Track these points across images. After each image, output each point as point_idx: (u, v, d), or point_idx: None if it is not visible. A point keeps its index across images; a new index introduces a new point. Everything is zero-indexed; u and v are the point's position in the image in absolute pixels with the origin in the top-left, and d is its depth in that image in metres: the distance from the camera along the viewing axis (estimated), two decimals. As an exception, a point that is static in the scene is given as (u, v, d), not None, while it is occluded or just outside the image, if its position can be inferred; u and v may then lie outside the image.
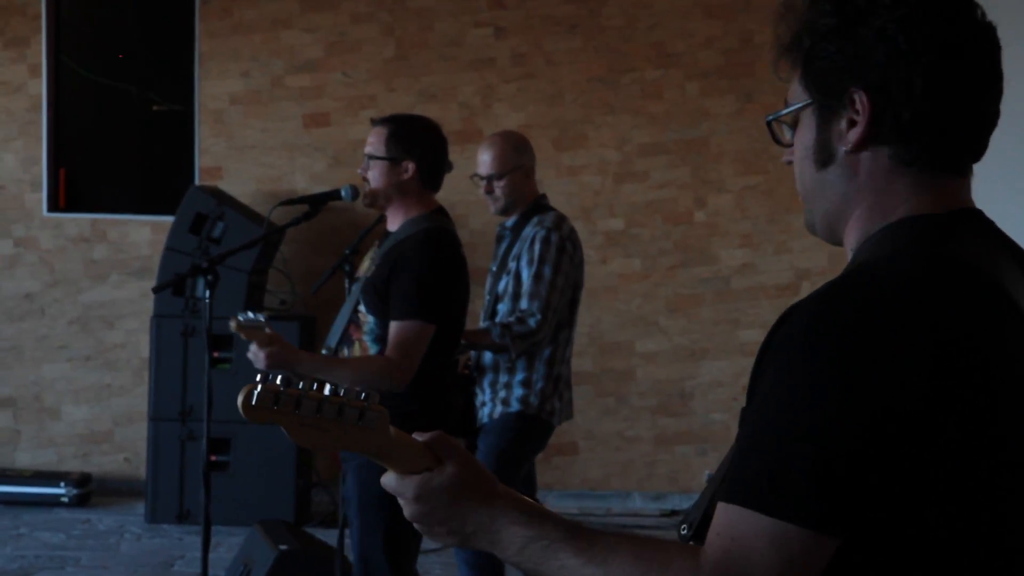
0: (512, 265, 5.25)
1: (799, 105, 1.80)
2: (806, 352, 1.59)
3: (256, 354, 4.17)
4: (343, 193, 4.55)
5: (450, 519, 1.76)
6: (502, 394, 5.21)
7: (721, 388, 8.52)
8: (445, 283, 4.39)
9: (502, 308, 5.26)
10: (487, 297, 5.41)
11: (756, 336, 8.44)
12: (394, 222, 4.52)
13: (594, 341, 8.41)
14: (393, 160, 4.43)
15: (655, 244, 8.51)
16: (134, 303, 8.31)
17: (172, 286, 4.76)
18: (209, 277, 4.38)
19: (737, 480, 1.61)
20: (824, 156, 1.78)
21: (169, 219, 7.83)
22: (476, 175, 5.43)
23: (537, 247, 5.19)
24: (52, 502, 7.90)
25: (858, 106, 1.72)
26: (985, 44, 1.75)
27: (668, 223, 8.51)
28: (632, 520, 7.98)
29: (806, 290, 8.30)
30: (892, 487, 1.56)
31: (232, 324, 4.21)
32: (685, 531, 1.86)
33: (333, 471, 4.65)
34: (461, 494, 1.76)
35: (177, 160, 8.40)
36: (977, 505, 1.60)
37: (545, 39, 8.45)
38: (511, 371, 5.21)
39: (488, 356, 5.24)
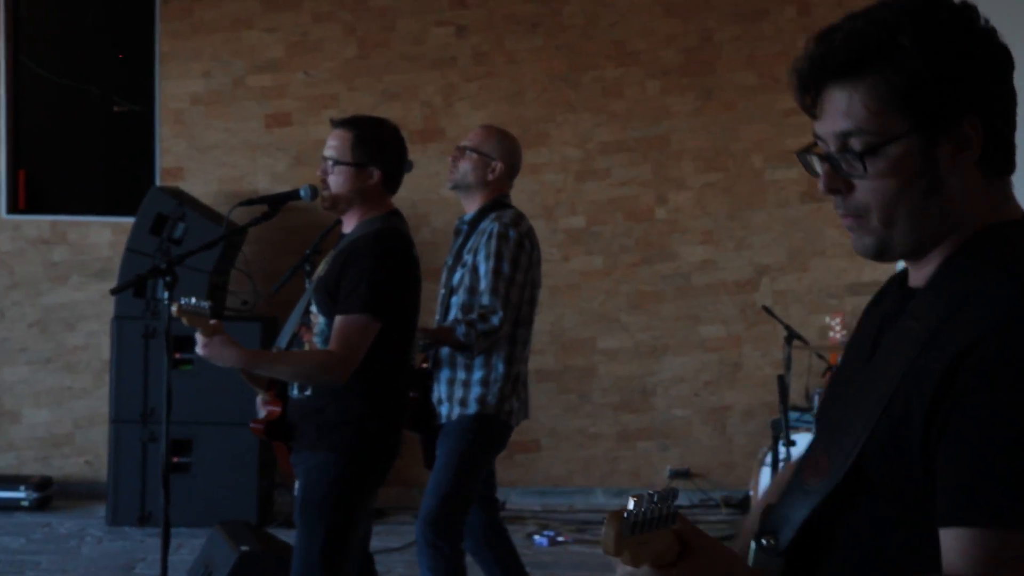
0: (468, 258, 5.23)
1: (899, 135, 1.80)
2: None
3: (201, 344, 4.16)
4: (302, 193, 4.53)
5: None
6: (459, 394, 5.18)
7: (682, 384, 8.55)
8: (394, 281, 4.35)
9: (455, 300, 5.23)
10: (441, 290, 5.39)
11: (716, 332, 8.49)
12: (349, 224, 4.50)
13: (556, 338, 8.43)
14: (358, 166, 4.40)
15: (616, 241, 8.54)
16: (95, 305, 8.27)
17: (131, 287, 4.73)
18: (168, 278, 4.36)
19: (990, 502, 1.63)
20: (933, 184, 1.80)
21: (130, 220, 7.79)
22: (457, 145, 5.46)
23: (494, 242, 5.15)
24: (12, 506, 7.86)
25: (969, 132, 1.78)
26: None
27: (629, 220, 8.54)
28: (595, 516, 8.00)
29: (766, 286, 8.37)
30: None
31: (174, 308, 4.19)
32: (769, 543, 1.87)
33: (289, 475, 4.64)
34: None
35: (138, 161, 8.37)
36: None
37: (506, 38, 8.46)
38: (469, 369, 5.18)
39: (445, 350, 5.22)
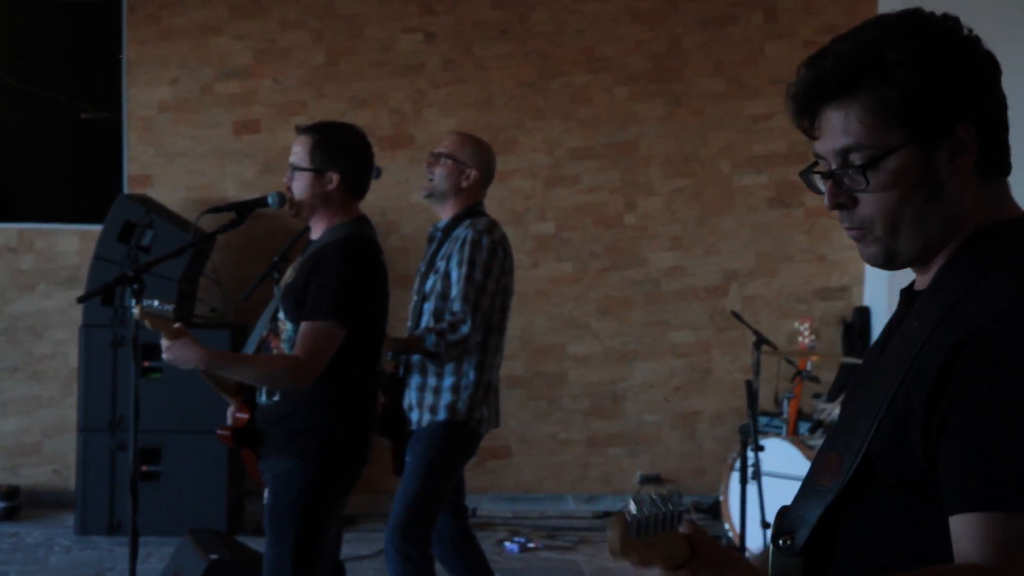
0: (441, 265, 5.22)
1: (896, 146, 1.87)
2: None
3: (165, 348, 4.15)
4: (269, 200, 4.51)
5: None
6: (429, 400, 5.18)
7: (652, 390, 8.57)
8: (361, 288, 4.35)
9: (428, 307, 5.23)
10: (414, 297, 5.38)
11: (686, 337, 8.51)
12: (317, 231, 4.49)
13: (526, 344, 8.44)
14: (317, 171, 4.39)
15: (586, 247, 8.55)
16: (62, 313, 8.23)
17: (98, 295, 4.70)
18: (135, 286, 4.34)
19: (1000, 487, 1.67)
20: (934, 191, 1.87)
21: (97, 228, 7.76)
22: (431, 151, 5.44)
23: (468, 249, 5.15)
24: (-20, 516, 7.82)
25: (964, 138, 1.86)
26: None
27: (598, 226, 8.55)
28: (566, 522, 8.01)
29: (735, 291, 8.40)
30: None
31: (136, 311, 4.17)
32: (785, 543, 1.91)
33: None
34: None
35: (105, 168, 8.34)
36: None
37: (475, 44, 8.47)
38: (440, 376, 5.18)
39: (416, 356, 5.21)
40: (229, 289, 7.89)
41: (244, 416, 4.45)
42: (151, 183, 8.32)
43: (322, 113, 8.26)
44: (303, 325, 4.24)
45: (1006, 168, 1.94)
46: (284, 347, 4.35)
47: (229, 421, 4.50)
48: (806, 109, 1.93)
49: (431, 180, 5.33)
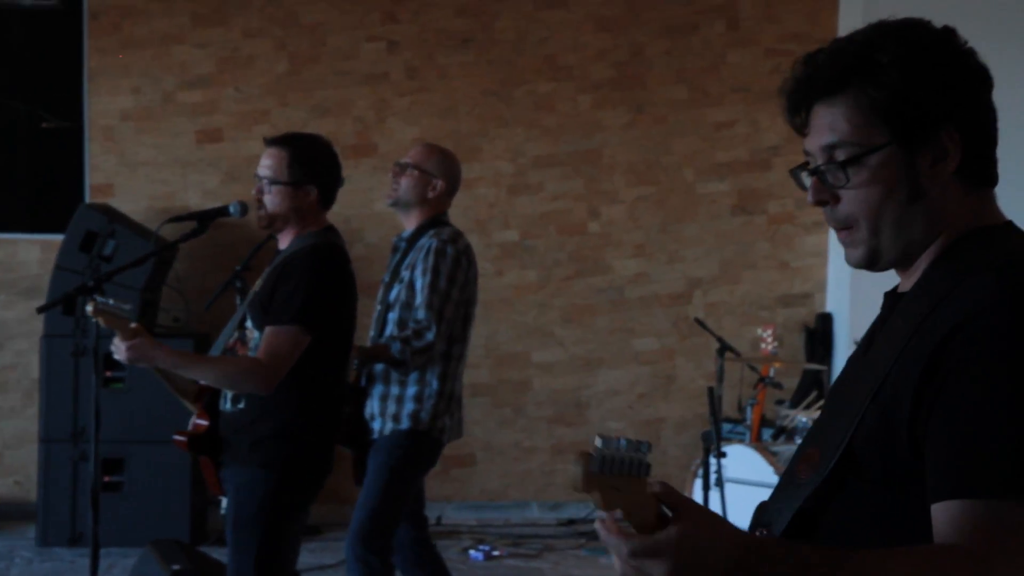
0: (405, 274, 5.22)
1: (879, 145, 1.91)
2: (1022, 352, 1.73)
3: (118, 346, 4.12)
4: (231, 209, 4.50)
5: (705, 568, 1.71)
6: (392, 409, 5.17)
7: (617, 397, 8.59)
8: (327, 295, 4.34)
9: (392, 316, 5.22)
10: (378, 306, 5.38)
11: (650, 345, 8.53)
12: (285, 241, 4.49)
13: (490, 352, 8.44)
14: (296, 185, 4.39)
15: (550, 255, 8.56)
16: (23, 323, 8.18)
17: (59, 305, 4.68)
18: (96, 296, 4.32)
19: (981, 474, 1.70)
20: (915, 192, 1.92)
21: (59, 238, 7.72)
22: (397, 161, 5.43)
23: (431, 258, 5.15)
24: (-58, 527, 7.76)
25: (948, 144, 1.90)
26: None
27: (562, 234, 8.57)
28: (531, 530, 8.01)
29: (698, 299, 8.43)
30: None
31: (89, 307, 4.14)
32: (761, 535, 1.94)
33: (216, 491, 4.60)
34: (710, 541, 1.72)
35: (67, 178, 8.30)
36: None
37: (438, 53, 8.47)
38: (403, 384, 5.17)
39: (379, 365, 5.20)
40: (192, 298, 7.85)
41: (203, 423, 4.43)
42: (113, 192, 8.28)
43: (285, 122, 8.24)
44: (267, 330, 4.23)
45: (991, 179, 1.97)
46: (251, 355, 4.34)
47: (190, 428, 4.48)
48: (798, 106, 1.98)
49: (396, 189, 5.32)
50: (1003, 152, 2.01)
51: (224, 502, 4.44)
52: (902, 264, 1.98)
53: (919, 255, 1.95)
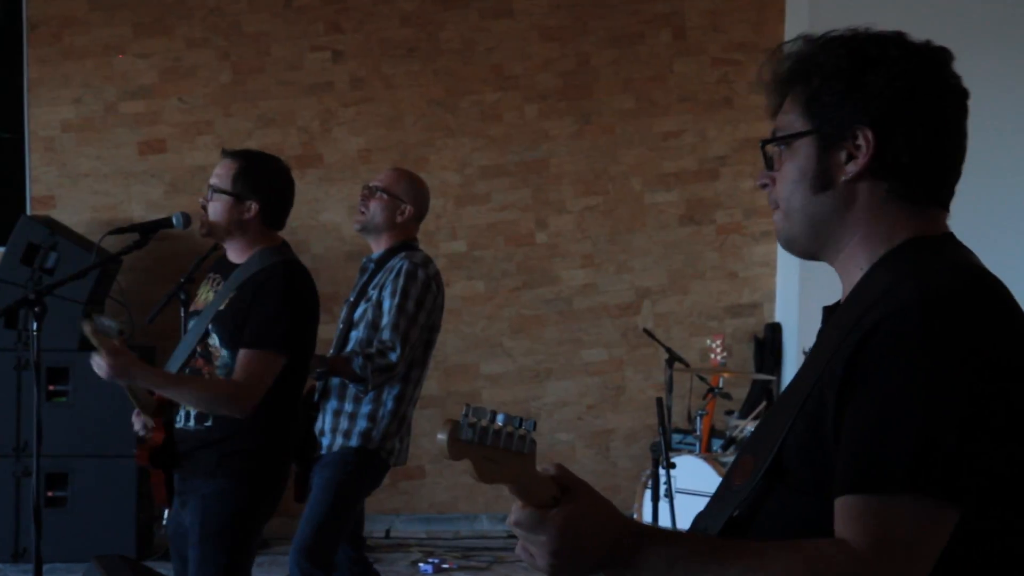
0: (372, 293, 5.19)
1: (800, 132, 2.00)
2: (927, 356, 1.77)
3: (100, 364, 4.07)
4: (174, 220, 4.46)
5: (590, 549, 1.77)
6: (344, 425, 5.14)
7: (566, 408, 8.56)
8: (301, 317, 4.35)
9: (355, 335, 5.19)
10: (339, 326, 5.34)
11: (599, 355, 8.52)
12: (238, 254, 4.44)
13: (439, 364, 8.39)
14: (237, 197, 4.37)
15: (498, 266, 8.54)
16: (-36, 337, 8.05)
17: (0, 318, 4.61)
18: (36, 309, 4.26)
19: (870, 471, 1.75)
20: (821, 182, 1.98)
21: (0, 250, 7.62)
22: (367, 183, 5.39)
23: (402, 280, 5.13)
24: None
25: (860, 142, 1.95)
26: (965, 109, 2.00)
27: (510, 245, 8.54)
28: (480, 542, 7.97)
29: (647, 309, 8.42)
30: (1007, 461, 1.78)
31: (87, 328, 4.11)
32: None
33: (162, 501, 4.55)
34: (596, 523, 1.78)
35: (7, 189, 8.18)
36: None
37: (383, 63, 8.43)
38: (358, 401, 5.14)
39: (335, 380, 5.17)
40: (136, 311, 7.76)
41: (160, 435, 4.38)
42: (55, 204, 8.19)
43: (229, 132, 8.18)
44: (244, 352, 4.21)
45: (935, 197, 1.99)
46: (219, 373, 4.30)
47: (140, 431, 4.41)
48: (771, 96, 2.07)
49: (364, 213, 5.30)
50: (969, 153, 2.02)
51: (167, 514, 4.40)
52: (808, 254, 2.05)
53: (824, 251, 2.03)
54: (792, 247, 2.06)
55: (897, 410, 1.76)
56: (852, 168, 1.95)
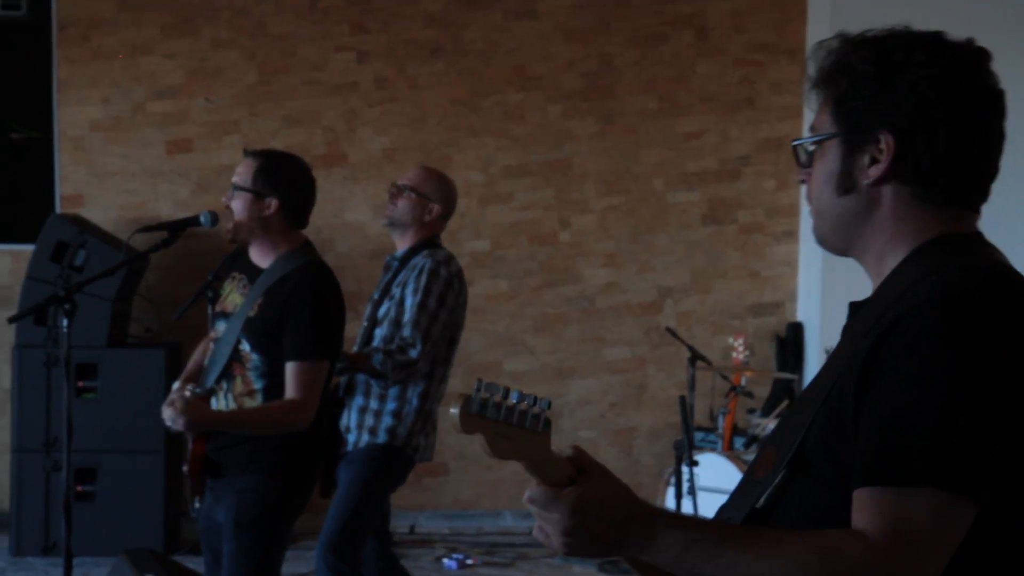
0: (396, 291, 5.23)
1: (826, 135, 2.03)
2: (946, 351, 1.79)
3: (175, 420, 4.16)
4: (202, 219, 4.50)
5: (603, 530, 1.79)
6: (370, 422, 5.18)
7: (588, 406, 8.61)
8: (335, 319, 4.43)
9: (379, 332, 5.23)
10: (364, 323, 5.39)
11: (621, 354, 8.56)
12: (262, 258, 4.46)
13: (463, 361, 8.42)
14: (257, 194, 4.40)
15: (521, 265, 8.58)
16: (-6, 334, 8.15)
17: (31, 315, 4.67)
18: (67, 306, 4.32)
19: (889, 464, 1.76)
20: (846, 185, 2.01)
21: (29, 248, 7.70)
22: (395, 182, 5.44)
23: (424, 277, 5.16)
24: (-88, 539, 7.71)
25: (883, 146, 1.96)
26: (998, 109, 1.99)
27: (533, 244, 8.59)
28: (504, 538, 8.02)
29: (669, 308, 8.45)
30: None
31: (188, 394, 4.24)
32: None
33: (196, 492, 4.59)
34: (612, 504, 1.80)
35: (37, 188, 8.27)
36: None
37: (408, 63, 8.49)
38: (382, 399, 5.18)
39: (361, 377, 5.21)
40: (163, 308, 7.84)
41: (201, 444, 4.44)
42: (83, 203, 8.27)
43: (255, 132, 8.25)
44: (293, 366, 4.27)
45: (964, 200, 2.00)
46: (250, 375, 4.34)
47: (169, 422, 4.46)
48: (811, 94, 2.08)
49: (393, 210, 5.34)
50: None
51: (196, 504, 4.45)
52: (840, 253, 2.08)
53: (854, 250, 2.05)
54: (824, 244, 2.09)
55: (916, 404, 1.77)
56: (874, 172, 1.97)
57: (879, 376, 1.82)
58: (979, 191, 2.01)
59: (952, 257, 1.93)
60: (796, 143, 2.09)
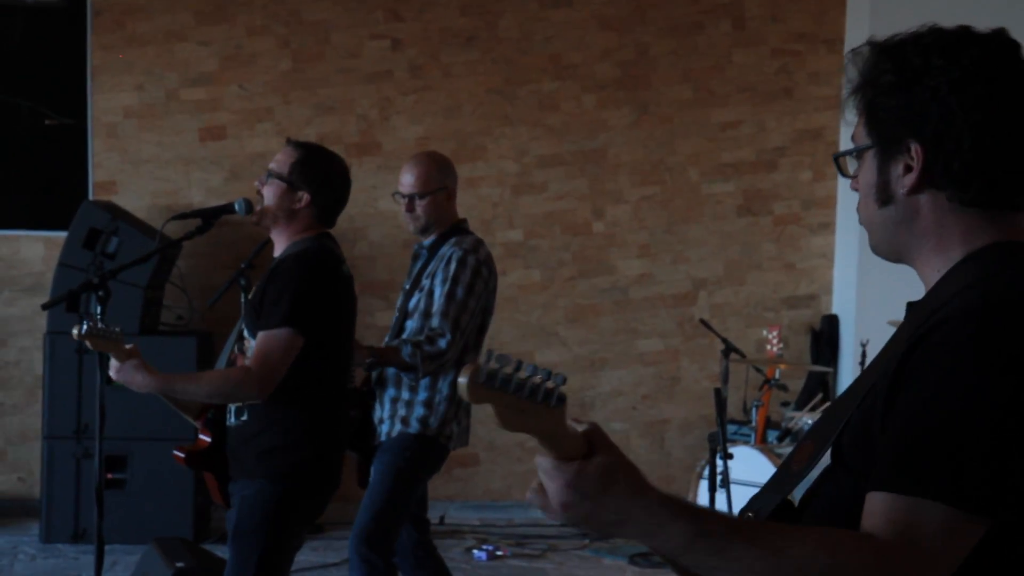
0: (426, 283, 5.20)
1: (863, 147, 2.03)
2: (976, 360, 1.77)
3: (113, 367, 4.12)
4: (236, 207, 4.46)
5: (600, 508, 1.78)
6: (402, 412, 5.16)
7: (621, 397, 8.56)
8: (319, 296, 4.26)
9: (411, 324, 5.20)
10: (396, 315, 5.36)
11: (654, 345, 8.51)
12: (279, 246, 4.42)
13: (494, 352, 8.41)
14: (290, 185, 4.35)
15: (554, 255, 8.54)
16: (27, 320, 8.17)
17: (63, 302, 4.65)
18: (100, 293, 4.30)
19: (906, 472, 1.76)
20: (884, 196, 2.01)
21: (62, 235, 7.70)
22: (398, 193, 5.35)
23: (453, 266, 5.14)
24: (-56, 524, 7.74)
25: (913, 155, 1.95)
26: None
27: (567, 234, 8.55)
28: (534, 530, 7.99)
29: (703, 299, 8.40)
30: None
31: (74, 332, 4.13)
32: (749, 516, 2.03)
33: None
34: (613, 484, 1.77)
35: (70, 175, 8.28)
36: None
37: (442, 51, 8.45)
38: (413, 390, 5.16)
39: (391, 369, 5.18)
40: (195, 296, 7.84)
41: (206, 439, 4.40)
42: (116, 189, 8.27)
43: (289, 119, 8.23)
44: (258, 335, 4.18)
45: (1009, 199, 1.97)
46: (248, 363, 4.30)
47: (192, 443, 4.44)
48: (850, 105, 2.07)
49: (417, 219, 5.27)
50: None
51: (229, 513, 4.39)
52: (894, 260, 2.06)
53: (907, 259, 2.04)
54: (877, 253, 2.09)
55: (936, 414, 1.76)
56: (908, 181, 1.96)
57: (908, 382, 1.81)
58: (1021, 187, 1.97)
59: (1002, 267, 1.90)
60: (837, 156, 2.10)
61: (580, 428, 1.80)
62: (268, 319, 4.16)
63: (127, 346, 4.14)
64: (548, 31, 8.49)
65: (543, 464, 1.78)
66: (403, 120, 8.43)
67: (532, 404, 1.70)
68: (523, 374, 1.70)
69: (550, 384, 1.72)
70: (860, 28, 7.94)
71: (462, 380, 1.67)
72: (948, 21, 2.02)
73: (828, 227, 8.59)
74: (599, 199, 8.56)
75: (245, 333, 4.34)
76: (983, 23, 2.03)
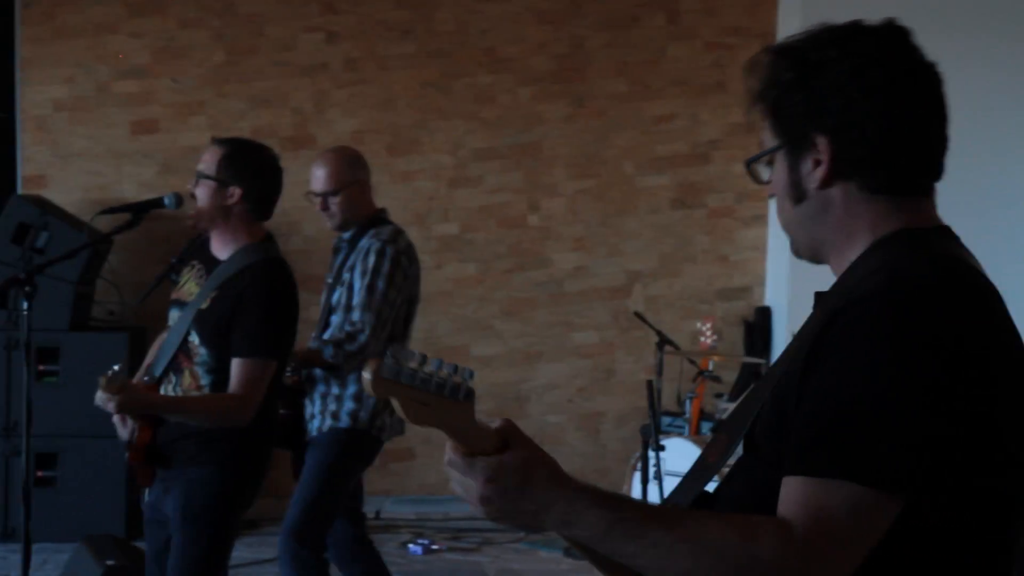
0: (346, 276, 5.20)
1: (771, 149, 2.05)
2: (882, 343, 1.78)
3: (105, 401, 4.09)
4: (166, 201, 4.44)
5: (520, 501, 1.79)
6: (332, 407, 5.16)
7: (556, 390, 8.58)
8: (288, 320, 4.35)
9: (335, 319, 5.20)
10: (321, 310, 5.35)
11: (589, 338, 8.53)
12: (222, 248, 4.38)
13: (430, 346, 8.40)
14: (220, 183, 4.33)
15: (489, 248, 8.54)
16: (-45, 316, 8.05)
17: (-10, 298, 4.60)
18: (27, 288, 4.25)
19: (816, 454, 1.77)
20: (798, 193, 2.02)
21: (-10, 229, 7.61)
22: (311, 192, 5.33)
23: (371, 259, 5.13)
24: None
25: (820, 148, 1.97)
26: (926, 81, 1.99)
27: (502, 227, 8.54)
28: (470, 523, 7.99)
29: (638, 292, 8.43)
30: (953, 457, 1.77)
31: (102, 380, 4.13)
32: None
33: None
34: (532, 476, 1.79)
35: (-2, 168, 8.18)
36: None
37: (378, 44, 8.42)
38: (342, 384, 5.16)
39: (317, 370, 5.19)
40: (127, 291, 7.76)
41: (148, 432, 4.37)
42: (46, 184, 8.18)
43: (223, 113, 8.17)
44: (238, 362, 4.20)
45: (913, 183, 1.99)
46: (198, 369, 4.28)
47: (125, 437, 4.39)
48: (752, 112, 2.09)
49: (333, 217, 5.29)
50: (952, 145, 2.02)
51: (147, 494, 4.39)
52: (816, 262, 2.08)
53: (827, 257, 2.04)
54: (798, 256, 2.10)
55: (845, 394, 1.77)
56: (818, 175, 1.98)
57: (818, 364, 1.82)
58: (929, 169, 2.00)
59: (908, 251, 1.92)
60: (748, 162, 2.11)
61: (494, 425, 1.81)
62: (250, 348, 4.20)
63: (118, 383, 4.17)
64: (483, 24, 8.48)
65: (453, 462, 1.79)
66: (338, 113, 8.39)
67: (437, 398, 1.71)
68: (428, 368, 1.71)
69: (457, 379, 1.73)
70: (792, 21, 7.98)
71: (365, 374, 1.67)
72: (877, 14, 2.04)
73: (761, 220, 8.63)
74: (535, 192, 8.56)
75: (195, 340, 4.29)
76: (913, 15, 2.05)
